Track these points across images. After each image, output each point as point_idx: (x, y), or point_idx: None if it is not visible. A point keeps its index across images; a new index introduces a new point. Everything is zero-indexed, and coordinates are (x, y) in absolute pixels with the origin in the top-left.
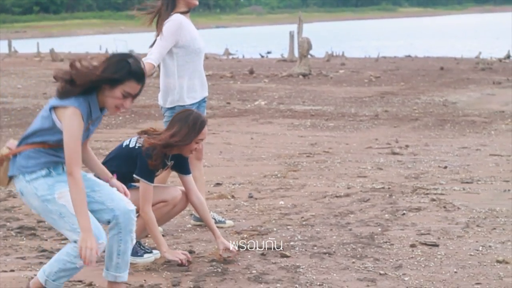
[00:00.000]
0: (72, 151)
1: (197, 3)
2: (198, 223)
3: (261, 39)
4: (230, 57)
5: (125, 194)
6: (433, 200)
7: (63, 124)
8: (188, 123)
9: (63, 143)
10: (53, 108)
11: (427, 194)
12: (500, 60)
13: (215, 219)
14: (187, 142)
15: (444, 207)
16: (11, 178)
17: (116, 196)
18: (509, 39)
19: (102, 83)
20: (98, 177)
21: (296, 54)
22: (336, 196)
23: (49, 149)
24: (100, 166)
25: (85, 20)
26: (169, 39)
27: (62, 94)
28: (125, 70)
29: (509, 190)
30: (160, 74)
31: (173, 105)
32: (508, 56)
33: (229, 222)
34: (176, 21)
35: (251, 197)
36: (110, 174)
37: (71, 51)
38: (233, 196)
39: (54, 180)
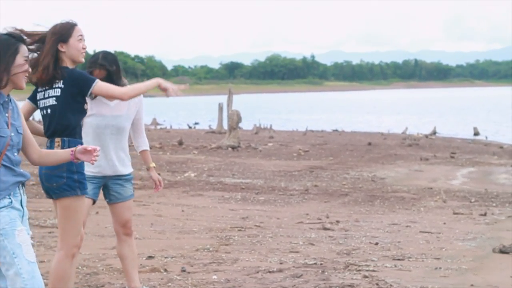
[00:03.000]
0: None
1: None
2: None
3: (188, 109)
4: (158, 127)
5: None
6: (366, 277)
7: None
8: None
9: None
10: None
11: (359, 270)
12: (426, 136)
13: None
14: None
15: (377, 284)
16: None
17: None
18: (434, 115)
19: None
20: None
21: (225, 126)
22: (269, 272)
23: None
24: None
25: None
26: None
27: None
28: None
29: (440, 267)
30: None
31: None
32: (434, 133)
33: None
34: None
35: (184, 271)
36: None
37: None
38: (165, 270)
39: (16, 214)
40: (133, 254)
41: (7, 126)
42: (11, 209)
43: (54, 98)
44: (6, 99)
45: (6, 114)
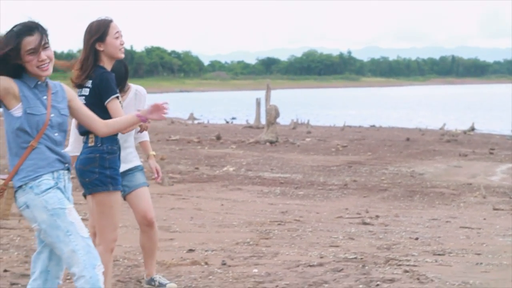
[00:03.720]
0: None
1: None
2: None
3: (225, 105)
4: (196, 122)
5: None
6: (406, 271)
7: None
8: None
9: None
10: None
11: (400, 265)
12: (464, 132)
13: (158, 281)
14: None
15: (418, 278)
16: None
17: None
18: (472, 111)
19: (8, 62)
20: None
21: (263, 120)
22: (309, 265)
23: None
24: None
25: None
26: None
27: None
28: (13, 35)
29: (481, 263)
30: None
31: None
32: (472, 129)
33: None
34: None
35: (224, 264)
36: None
37: None
38: (206, 263)
39: (62, 195)
40: (152, 245)
41: (45, 107)
42: (57, 189)
43: (84, 97)
44: (39, 83)
45: (44, 97)
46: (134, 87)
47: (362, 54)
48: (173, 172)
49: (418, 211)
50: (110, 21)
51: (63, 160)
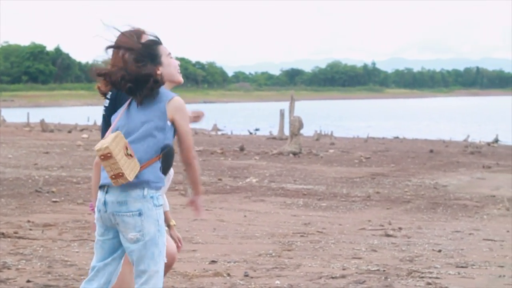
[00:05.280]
0: (191, 141)
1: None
2: None
3: (248, 116)
4: (219, 133)
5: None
6: (429, 284)
7: (176, 118)
8: None
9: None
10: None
11: (422, 277)
12: (488, 144)
13: None
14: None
15: None
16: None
17: None
18: (496, 123)
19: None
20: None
21: (286, 132)
22: (332, 277)
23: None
24: None
25: (73, 91)
26: None
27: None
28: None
29: (504, 275)
30: None
31: None
32: (496, 140)
33: None
34: None
35: (247, 275)
36: None
37: (60, 121)
38: (228, 274)
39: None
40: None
41: None
42: (161, 207)
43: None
44: None
45: None
46: None
47: (387, 65)
48: None
49: (441, 223)
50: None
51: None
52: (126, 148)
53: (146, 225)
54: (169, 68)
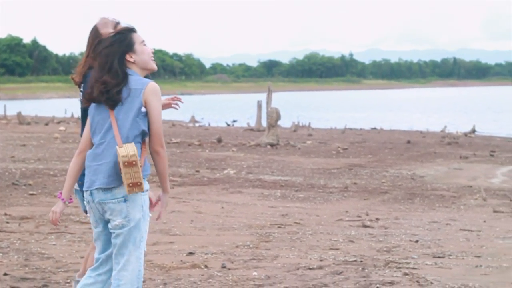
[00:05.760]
0: (161, 127)
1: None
2: None
3: (226, 107)
4: (197, 124)
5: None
6: (406, 274)
7: (151, 103)
8: None
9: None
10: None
11: (400, 268)
12: (465, 134)
13: None
14: None
15: (417, 281)
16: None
17: None
18: (473, 114)
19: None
20: None
21: (264, 123)
22: (309, 268)
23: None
24: None
25: (50, 84)
26: None
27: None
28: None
29: (481, 265)
30: None
31: None
32: (473, 131)
33: None
34: None
35: (224, 267)
36: None
37: (37, 114)
38: (206, 266)
39: None
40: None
41: None
42: (146, 193)
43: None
44: None
45: None
46: None
47: (364, 56)
48: (173, 175)
49: (419, 214)
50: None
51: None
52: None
53: (132, 211)
54: (143, 56)
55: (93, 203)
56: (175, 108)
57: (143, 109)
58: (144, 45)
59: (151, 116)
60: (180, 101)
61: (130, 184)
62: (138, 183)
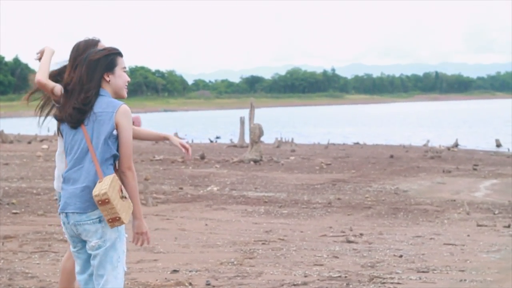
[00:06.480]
0: (131, 147)
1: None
2: None
3: (209, 123)
4: None
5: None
6: None
7: (122, 125)
8: None
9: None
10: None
11: (384, 283)
12: (448, 148)
13: None
14: None
15: None
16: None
17: None
18: (456, 128)
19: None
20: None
21: (247, 139)
22: (294, 285)
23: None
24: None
25: (32, 102)
26: None
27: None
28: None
29: (465, 280)
30: None
31: None
32: (456, 145)
33: None
34: None
35: (209, 284)
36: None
37: (20, 132)
38: (190, 284)
39: None
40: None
41: None
42: None
43: None
44: None
45: None
46: None
47: (346, 71)
48: (157, 192)
49: (402, 228)
50: (98, 41)
51: None
52: (121, 191)
53: (108, 231)
54: (119, 80)
55: (68, 224)
56: (181, 151)
57: (115, 132)
58: (124, 71)
59: (122, 138)
60: (188, 153)
61: (110, 220)
62: (117, 218)
